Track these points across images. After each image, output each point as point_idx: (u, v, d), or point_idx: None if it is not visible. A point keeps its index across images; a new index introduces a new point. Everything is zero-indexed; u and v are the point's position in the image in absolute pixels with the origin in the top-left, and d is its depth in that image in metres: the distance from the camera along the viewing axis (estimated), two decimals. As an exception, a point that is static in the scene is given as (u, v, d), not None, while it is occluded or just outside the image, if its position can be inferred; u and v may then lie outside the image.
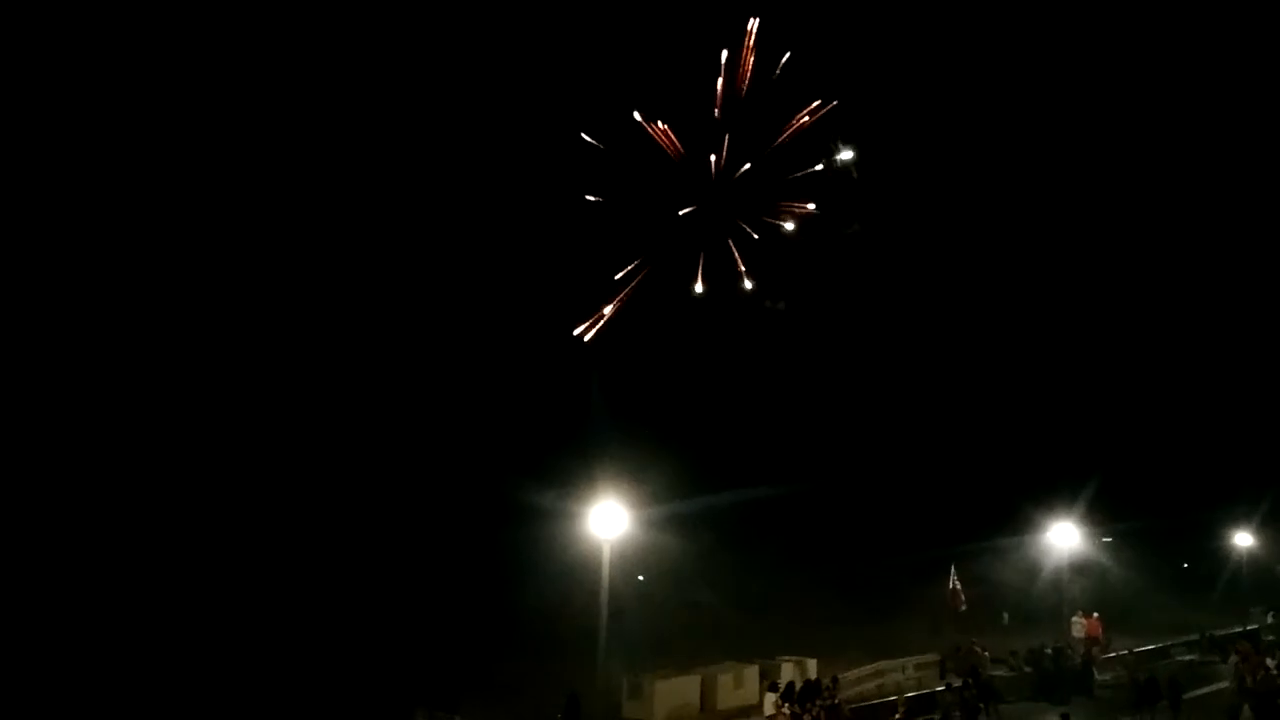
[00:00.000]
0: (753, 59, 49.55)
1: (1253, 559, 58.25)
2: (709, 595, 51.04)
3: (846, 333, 66.46)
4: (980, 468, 66.15)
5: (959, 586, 48.96)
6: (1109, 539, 60.68)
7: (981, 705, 30.20)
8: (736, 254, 54.44)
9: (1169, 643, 46.29)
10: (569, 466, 48.38)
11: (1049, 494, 52.45)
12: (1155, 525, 62.64)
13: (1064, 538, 47.73)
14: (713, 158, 49.46)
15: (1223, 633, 47.76)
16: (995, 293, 69.75)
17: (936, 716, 30.42)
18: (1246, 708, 28.96)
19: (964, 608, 45.01)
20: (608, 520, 29.14)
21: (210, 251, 51.62)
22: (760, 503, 56.55)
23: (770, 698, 29.49)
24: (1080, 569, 53.94)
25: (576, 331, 48.74)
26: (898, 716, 28.49)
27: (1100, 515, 54.92)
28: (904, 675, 37.41)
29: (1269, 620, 53.35)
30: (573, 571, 40.44)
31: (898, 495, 65.62)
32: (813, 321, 65.27)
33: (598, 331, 50.22)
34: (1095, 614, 45.82)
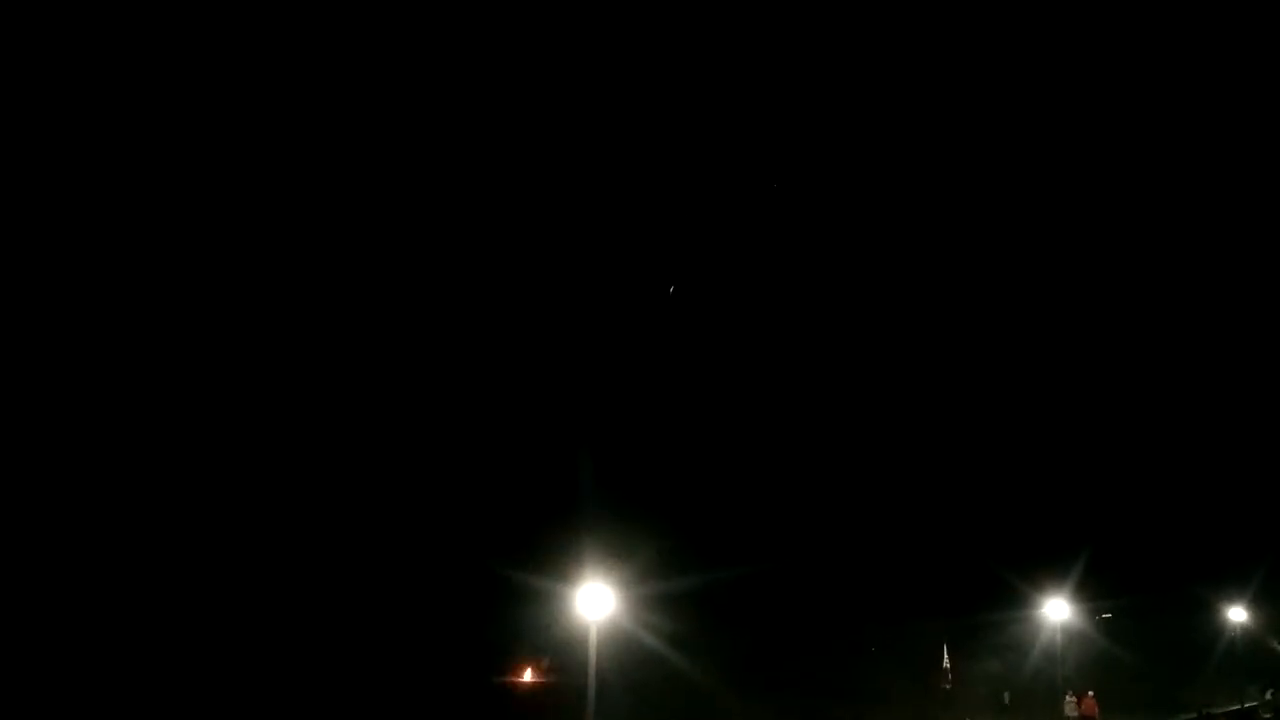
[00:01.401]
0: None
1: (1247, 634, 57.68)
2: (698, 675, 50.17)
3: (832, 401, 66.47)
4: (968, 541, 65.63)
5: (948, 665, 48.41)
6: (1102, 615, 60.06)
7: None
8: None
9: (1167, 723, 45.68)
10: (556, 543, 47.86)
11: (1039, 568, 52.10)
12: (1148, 600, 62.08)
13: (1057, 612, 47.23)
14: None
15: (1220, 710, 47.14)
16: (983, 362, 69.76)
17: None
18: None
19: (948, 686, 44.38)
20: (594, 601, 28.67)
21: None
22: (749, 579, 55.93)
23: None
24: (1073, 645, 53.32)
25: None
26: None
27: (1092, 590, 54.45)
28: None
29: (1267, 697, 52.72)
30: (558, 652, 39.81)
31: (884, 569, 64.98)
32: (797, 389, 65.45)
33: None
34: (1090, 693, 45.17)
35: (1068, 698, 44.48)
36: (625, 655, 42.32)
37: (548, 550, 46.46)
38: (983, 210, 65.24)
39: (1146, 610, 63.26)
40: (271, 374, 53.41)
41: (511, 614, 48.14)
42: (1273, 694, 53.17)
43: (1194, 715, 46.34)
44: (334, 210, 54.51)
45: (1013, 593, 54.33)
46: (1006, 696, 51.93)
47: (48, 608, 40.78)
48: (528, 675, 48.58)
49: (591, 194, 58.22)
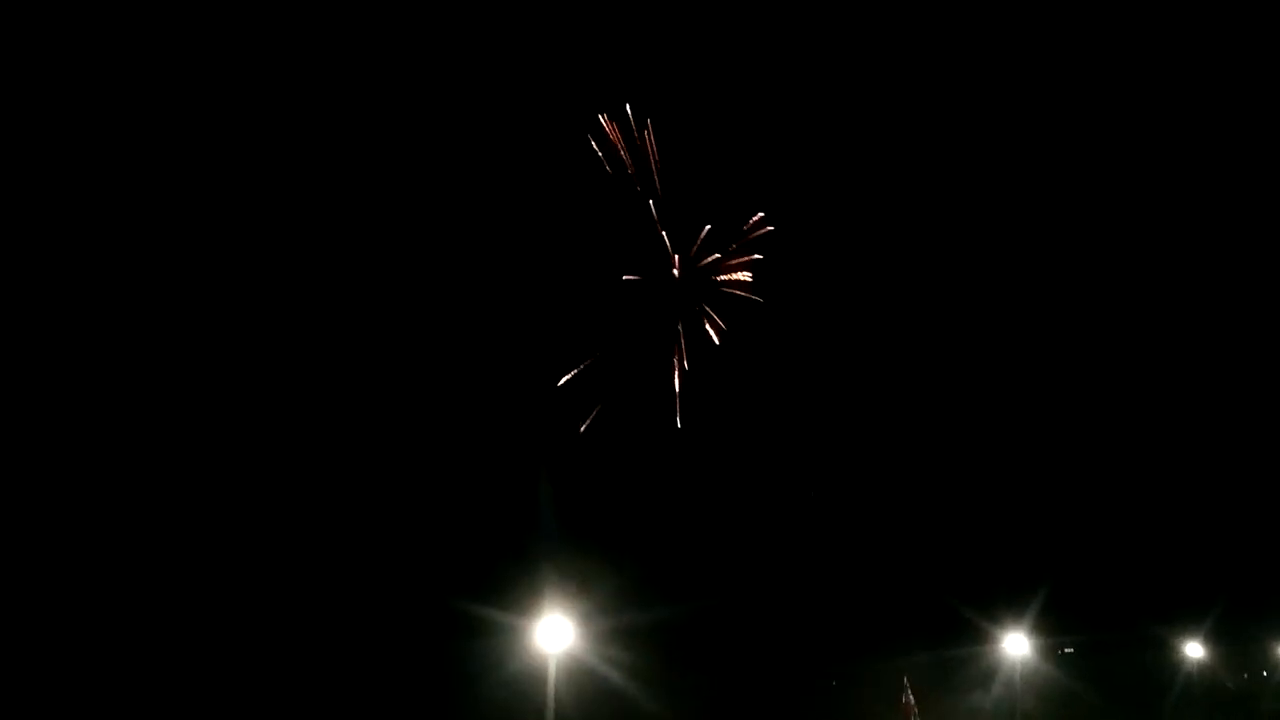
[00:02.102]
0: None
1: (1203, 670, 58.10)
2: (658, 710, 49.65)
3: (795, 438, 66.49)
4: (929, 578, 65.68)
5: (911, 699, 48.27)
6: (1064, 649, 60.25)
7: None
8: (682, 349, 55.67)
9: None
10: (514, 576, 47.35)
11: (998, 605, 52.20)
12: (1106, 637, 62.37)
13: (1016, 648, 47.25)
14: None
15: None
16: (943, 401, 70.09)
17: None
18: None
19: (915, 715, 44.24)
20: (553, 634, 28.37)
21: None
22: (710, 613, 55.59)
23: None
24: (1033, 680, 53.38)
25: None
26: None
27: (1051, 626, 54.60)
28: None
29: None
30: (517, 685, 39.27)
31: (846, 605, 64.82)
32: (760, 425, 65.45)
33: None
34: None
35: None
36: (584, 688, 41.86)
37: (506, 583, 46.00)
38: (941, 263, 65.79)
39: (1105, 647, 63.54)
40: (240, 396, 52.80)
41: (468, 647, 47.50)
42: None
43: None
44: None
45: (973, 628, 54.37)
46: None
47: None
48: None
49: (555, 227, 58.20)
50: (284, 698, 45.41)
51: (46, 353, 47.43)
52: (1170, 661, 60.56)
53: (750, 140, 56.22)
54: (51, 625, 40.98)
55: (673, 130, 54.33)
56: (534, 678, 30.93)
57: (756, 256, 55.18)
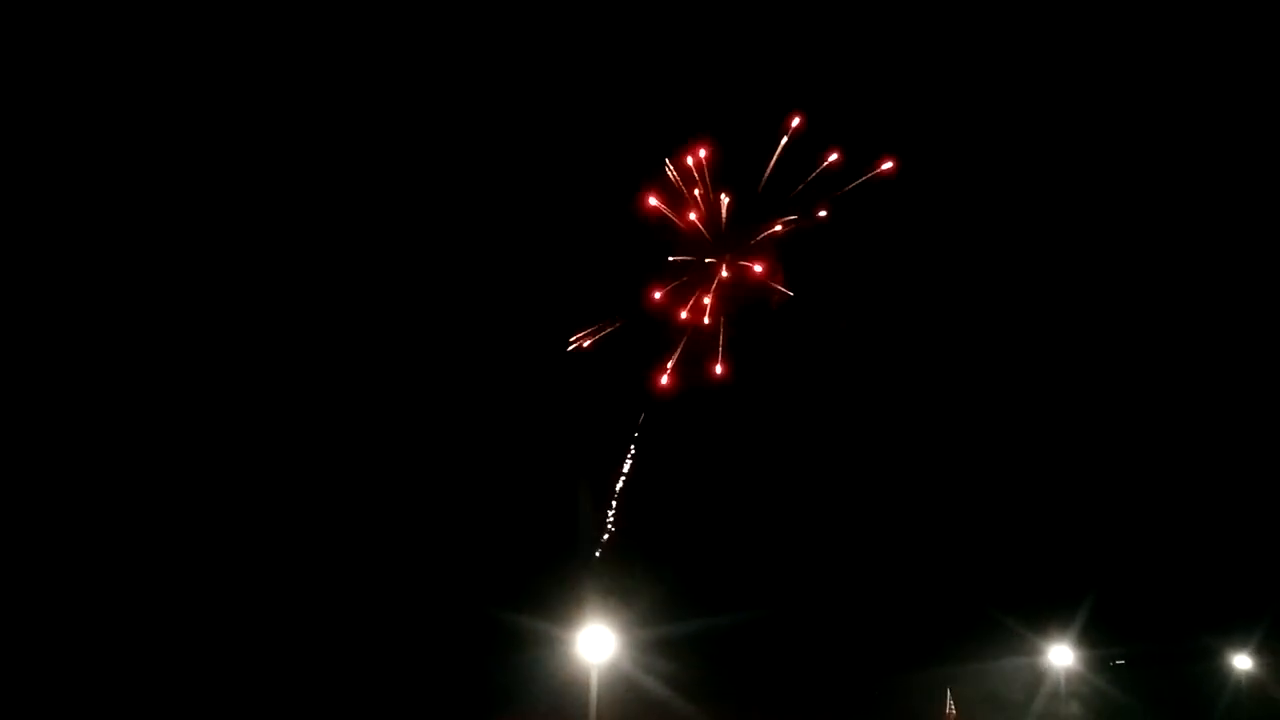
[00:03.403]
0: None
1: (1252, 682, 57.22)
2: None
3: (835, 447, 66.33)
4: (973, 588, 65.22)
5: (954, 710, 48.02)
6: (1106, 662, 59.58)
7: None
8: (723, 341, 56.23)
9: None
10: (555, 586, 47.67)
11: (1043, 616, 51.81)
12: (1152, 648, 61.59)
13: (1060, 659, 46.82)
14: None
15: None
16: (985, 406, 69.56)
17: None
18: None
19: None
20: (595, 644, 28.60)
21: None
22: (752, 624, 55.57)
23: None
24: (1076, 693, 52.88)
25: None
26: None
27: (1095, 637, 54.07)
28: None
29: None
30: (559, 696, 39.48)
31: (888, 616, 64.51)
32: (800, 434, 65.42)
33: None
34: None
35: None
36: (626, 699, 42.12)
37: (548, 594, 46.29)
38: (972, 241, 65.27)
39: (1151, 658, 62.74)
40: (265, 403, 53.42)
41: (510, 658, 47.81)
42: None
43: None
44: (309, 248, 54.64)
45: (1017, 639, 53.99)
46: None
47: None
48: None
49: (592, 229, 58.54)
50: (328, 708, 45.93)
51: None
52: (1217, 674, 59.71)
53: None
54: (92, 624, 41.47)
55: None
56: (576, 688, 31.16)
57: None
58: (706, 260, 56.92)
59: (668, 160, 54.67)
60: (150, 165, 50.80)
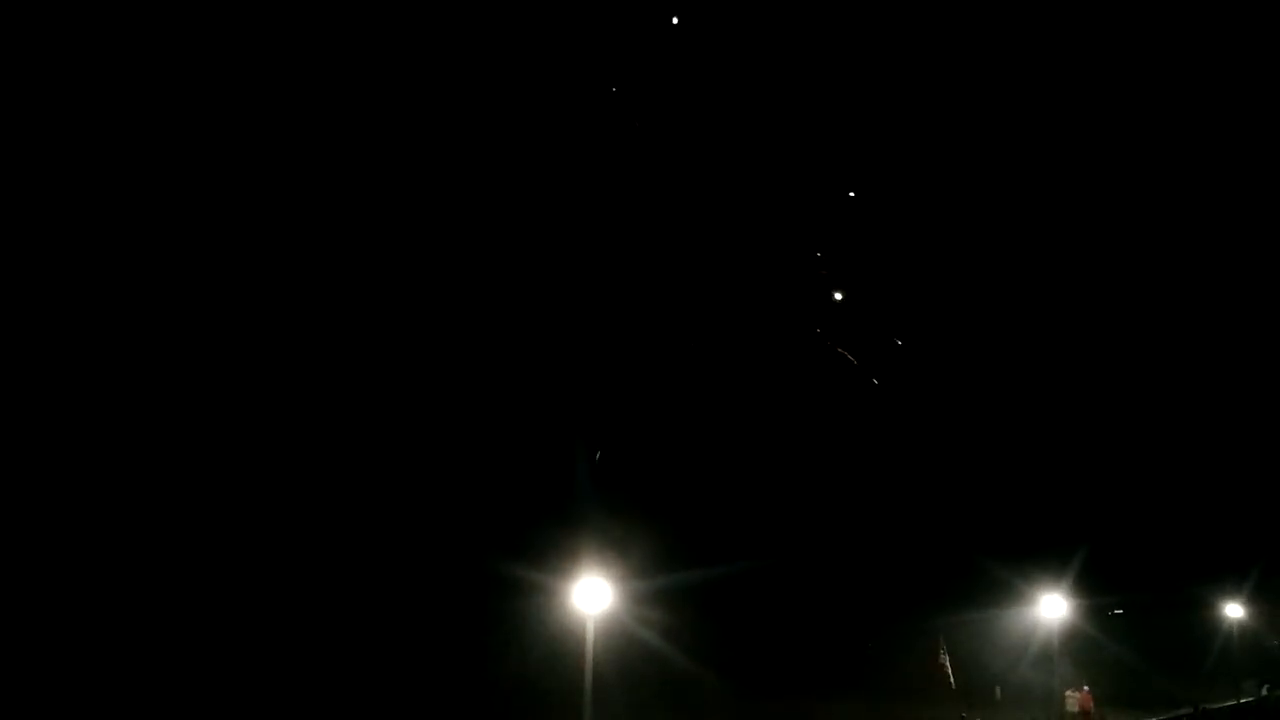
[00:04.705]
0: None
1: (1244, 631, 57.68)
2: (695, 671, 50.10)
3: (830, 396, 66.49)
4: (965, 538, 65.62)
5: (946, 659, 48.34)
6: (1098, 612, 60.05)
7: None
8: None
9: (1163, 718, 45.62)
10: (551, 537, 47.71)
11: (1035, 565, 52.05)
12: (1144, 598, 62.10)
13: (1053, 610, 47.01)
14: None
15: (1216, 706, 47.15)
16: (981, 357, 69.69)
17: None
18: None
19: (952, 683, 44.33)
20: (592, 595, 28.49)
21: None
22: (747, 575, 55.86)
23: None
24: (1069, 642, 53.25)
25: None
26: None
27: (1088, 588, 54.40)
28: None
29: (1262, 693, 52.74)
30: (555, 646, 39.67)
31: (881, 566, 64.96)
32: (795, 383, 65.52)
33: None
34: (1086, 687, 45.19)
35: (1068, 694, 44.46)
36: (622, 650, 42.36)
37: (544, 545, 46.38)
38: (981, 207, 65.29)
39: (1143, 607, 63.30)
40: (266, 373, 53.22)
41: (506, 608, 48.03)
42: (1269, 689, 53.18)
43: (1189, 710, 46.30)
44: (327, 211, 54.38)
45: (1010, 589, 54.29)
46: (998, 692, 51.81)
47: (51, 609, 40.72)
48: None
49: (592, 191, 58.25)
50: (321, 658, 46.16)
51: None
52: (1210, 622, 60.22)
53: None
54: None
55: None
56: (572, 638, 31.15)
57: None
58: None
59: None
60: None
